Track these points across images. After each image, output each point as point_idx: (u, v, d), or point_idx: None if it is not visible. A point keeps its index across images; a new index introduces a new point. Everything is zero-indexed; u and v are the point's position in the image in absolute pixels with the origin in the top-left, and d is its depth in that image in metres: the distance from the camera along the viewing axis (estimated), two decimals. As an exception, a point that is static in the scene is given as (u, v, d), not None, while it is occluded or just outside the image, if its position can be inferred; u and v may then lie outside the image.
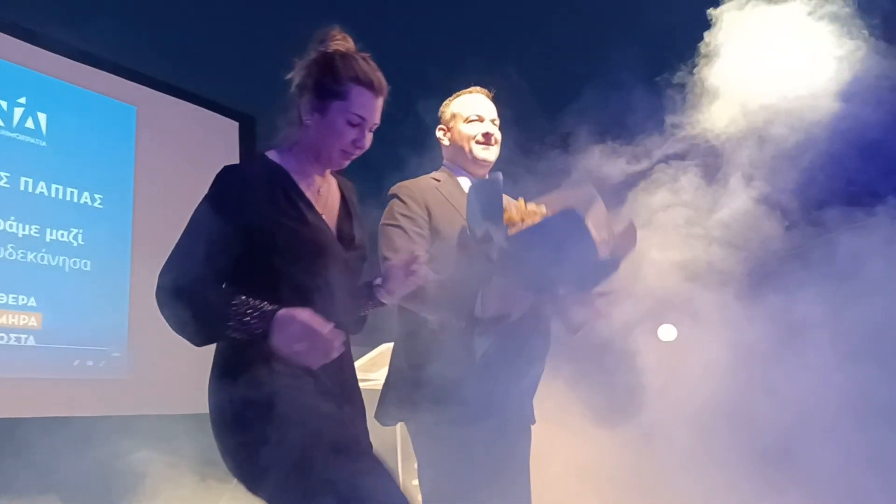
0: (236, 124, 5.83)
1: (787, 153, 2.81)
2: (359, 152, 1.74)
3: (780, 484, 3.17)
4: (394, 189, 2.15)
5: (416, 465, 2.05)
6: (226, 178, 1.73)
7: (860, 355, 3.02)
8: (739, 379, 3.17)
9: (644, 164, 2.65)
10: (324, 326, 1.48)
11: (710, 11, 2.69)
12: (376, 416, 2.10)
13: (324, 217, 1.71)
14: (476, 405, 1.92)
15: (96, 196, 4.95)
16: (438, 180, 2.16)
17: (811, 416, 3.14)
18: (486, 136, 2.15)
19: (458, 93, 2.25)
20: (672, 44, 2.90)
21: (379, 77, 1.72)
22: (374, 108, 1.71)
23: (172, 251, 1.73)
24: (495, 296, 1.83)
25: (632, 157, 2.68)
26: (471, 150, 2.16)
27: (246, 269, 1.64)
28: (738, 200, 2.82)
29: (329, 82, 1.69)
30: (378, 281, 1.80)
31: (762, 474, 3.29)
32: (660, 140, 2.79)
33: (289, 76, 1.76)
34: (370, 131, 1.73)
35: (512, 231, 1.84)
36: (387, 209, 2.11)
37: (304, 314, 1.49)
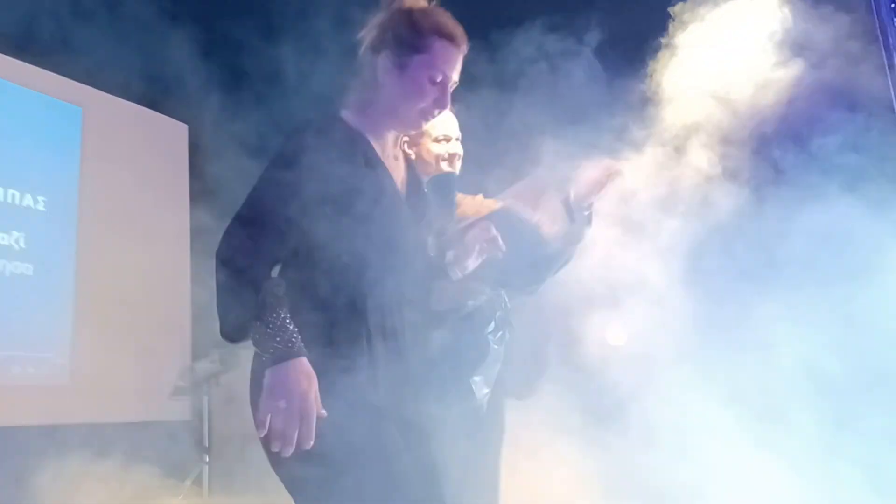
0: (185, 127, 5.74)
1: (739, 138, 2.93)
2: (438, 112, 1.60)
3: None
4: None
5: None
6: (304, 142, 1.48)
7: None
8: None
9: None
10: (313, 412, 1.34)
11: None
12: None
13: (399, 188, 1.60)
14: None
15: (39, 198, 4.82)
16: None
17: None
18: (453, 156, 2.20)
19: None
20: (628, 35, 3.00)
21: (461, 30, 1.58)
22: (456, 63, 1.58)
23: (231, 224, 1.47)
24: (448, 288, 1.84)
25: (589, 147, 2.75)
26: (437, 169, 2.20)
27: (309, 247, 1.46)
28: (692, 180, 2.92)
29: (410, 36, 1.55)
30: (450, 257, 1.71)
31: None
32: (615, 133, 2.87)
33: (360, 34, 1.62)
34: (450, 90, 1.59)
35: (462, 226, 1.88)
36: None
37: (306, 386, 1.35)
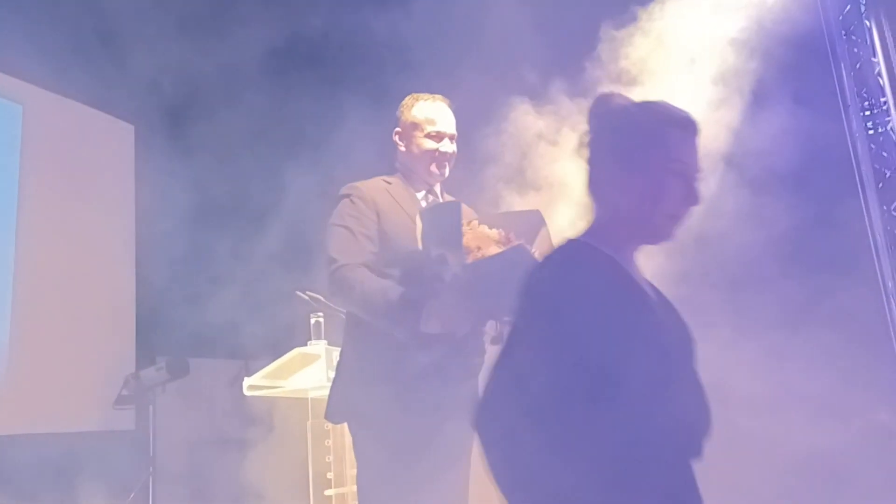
0: (132, 128, 5.58)
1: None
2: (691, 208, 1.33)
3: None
4: (345, 189, 2.17)
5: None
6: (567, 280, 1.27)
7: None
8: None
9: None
10: None
11: None
12: (326, 415, 2.17)
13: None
14: (415, 412, 1.99)
15: (-25, 200, 4.62)
16: (390, 183, 2.20)
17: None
18: (445, 155, 2.20)
19: (417, 95, 2.25)
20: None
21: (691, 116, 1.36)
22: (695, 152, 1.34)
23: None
24: (440, 313, 1.91)
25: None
26: (427, 166, 2.21)
27: None
28: None
29: (642, 128, 1.32)
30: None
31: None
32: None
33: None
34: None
35: (469, 259, 1.92)
36: (336, 209, 2.14)
37: None
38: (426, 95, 2.26)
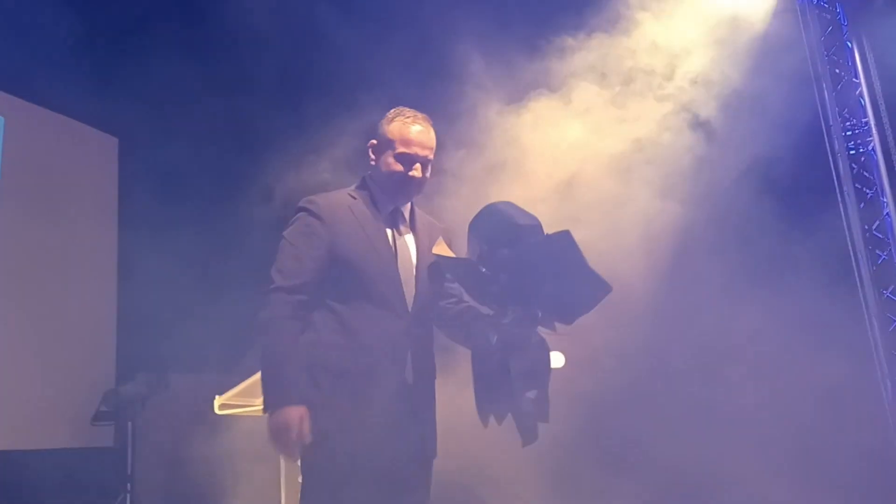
0: (115, 140, 5.54)
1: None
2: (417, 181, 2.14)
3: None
4: (303, 202, 2.12)
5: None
6: None
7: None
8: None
9: None
10: None
11: None
12: None
13: None
14: (370, 436, 1.95)
15: (-47, 211, 4.55)
16: (354, 198, 2.15)
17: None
18: (413, 180, 2.15)
19: (401, 111, 2.19)
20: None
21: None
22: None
23: None
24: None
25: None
26: (393, 188, 2.16)
27: None
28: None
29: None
30: None
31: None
32: None
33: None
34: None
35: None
36: (292, 221, 2.11)
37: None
38: (409, 113, 2.18)
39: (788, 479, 3.52)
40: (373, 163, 2.19)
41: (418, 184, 2.15)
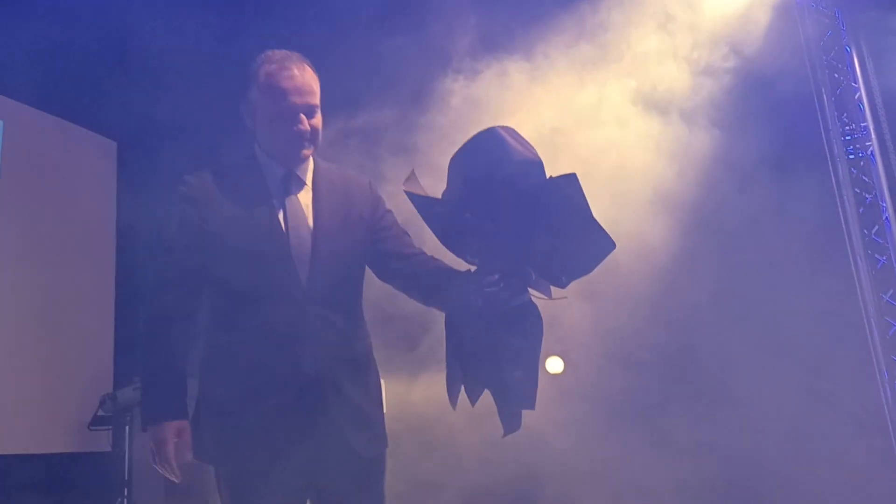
0: (114, 144, 5.53)
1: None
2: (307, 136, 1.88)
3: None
4: (180, 182, 1.92)
5: None
6: None
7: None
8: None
9: None
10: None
11: None
12: (194, 451, 1.89)
13: None
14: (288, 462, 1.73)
15: (-48, 215, 4.55)
16: (238, 169, 1.95)
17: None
18: (304, 135, 1.86)
19: (266, 58, 1.89)
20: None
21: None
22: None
23: None
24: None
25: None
26: (278, 146, 1.89)
27: None
28: None
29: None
30: None
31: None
32: None
33: None
34: None
35: None
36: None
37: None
38: (276, 56, 1.84)
39: (788, 483, 3.51)
40: (252, 123, 1.89)
41: (309, 138, 1.84)
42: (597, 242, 1.61)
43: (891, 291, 4.34)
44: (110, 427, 4.85)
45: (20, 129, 4.91)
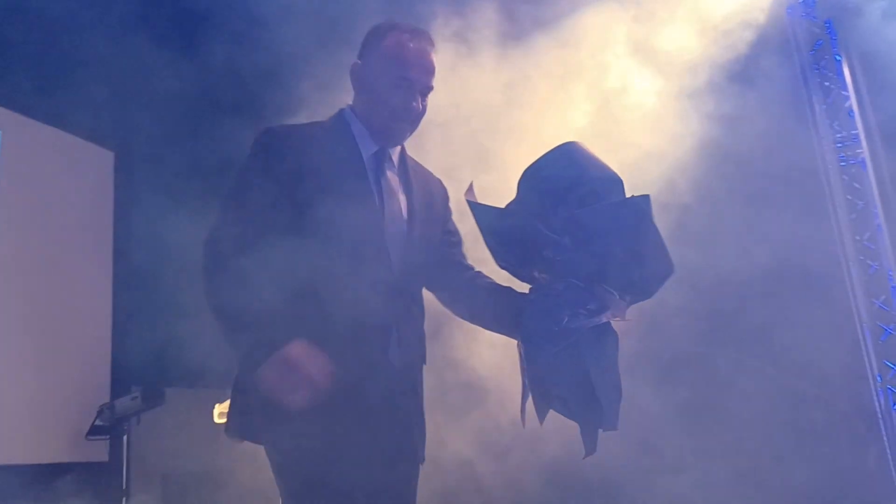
0: (111, 154, 5.55)
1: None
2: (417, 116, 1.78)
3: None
4: (261, 133, 1.75)
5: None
6: None
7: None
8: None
9: None
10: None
11: None
12: (226, 430, 1.71)
13: None
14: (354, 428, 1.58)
15: (-51, 226, 4.55)
16: (327, 132, 1.83)
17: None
18: (409, 112, 1.78)
19: (396, 25, 1.79)
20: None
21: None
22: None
23: None
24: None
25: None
26: (385, 119, 1.78)
27: None
28: None
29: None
30: None
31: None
32: None
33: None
34: None
35: None
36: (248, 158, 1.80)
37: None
38: (407, 27, 1.74)
39: (779, 487, 3.54)
40: (357, 90, 1.76)
41: (416, 119, 1.73)
42: (661, 265, 1.60)
43: (883, 297, 4.39)
44: (108, 437, 4.86)
45: (17, 140, 4.92)
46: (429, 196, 1.80)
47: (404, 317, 1.69)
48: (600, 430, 1.60)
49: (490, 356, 3.16)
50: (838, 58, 4.69)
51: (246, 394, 1.65)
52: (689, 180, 3.25)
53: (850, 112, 4.62)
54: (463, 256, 1.90)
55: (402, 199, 1.73)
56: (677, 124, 3.04)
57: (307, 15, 3.81)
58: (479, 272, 1.87)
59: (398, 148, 1.79)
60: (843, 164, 4.61)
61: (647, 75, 3.14)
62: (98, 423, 4.75)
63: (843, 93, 4.65)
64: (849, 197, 4.55)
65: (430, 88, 1.73)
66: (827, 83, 4.68)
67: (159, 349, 4.62)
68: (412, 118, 1.72)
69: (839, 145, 4.62)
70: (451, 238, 1.87)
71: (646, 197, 1.57)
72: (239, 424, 1.69)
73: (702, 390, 3.81)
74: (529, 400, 1.63)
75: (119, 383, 5.12)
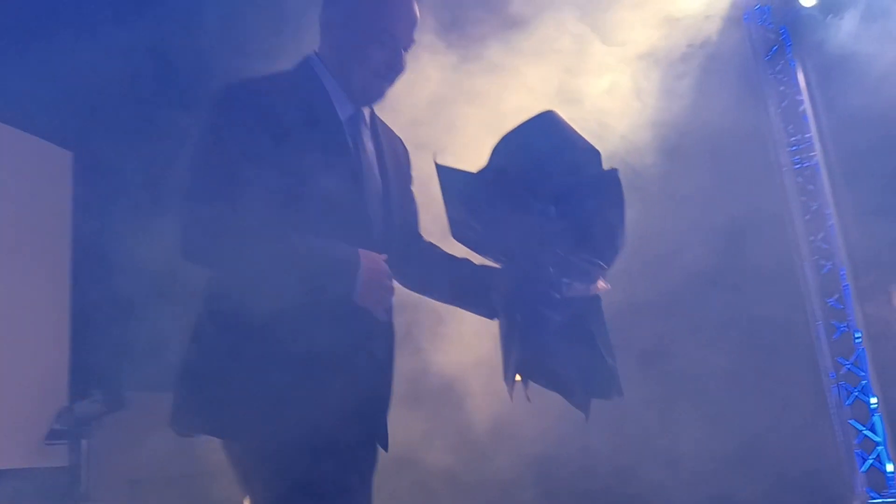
0: (70, 154, 5.45)
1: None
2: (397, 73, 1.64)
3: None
4: (221, 90, 1.56)
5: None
6: None
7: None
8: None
9: None
10: None
11: None
12: (172, 423, 1.58)
13: None
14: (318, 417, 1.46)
15: None
16: (297, 89, 1.65)
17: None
18: (392, 69, 1.66)
19: None
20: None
21: None
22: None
23: None
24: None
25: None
26: (364, 76, 1.64)
27: None
28: None
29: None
30: None
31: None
32: None
33: None
34: None
35: None
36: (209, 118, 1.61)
37: None
38: None
39: (733, 480, 3.62)
40: (328, 39, 1.58)
41: (396, 76, 1.59)
42: (620, 239, 1.58)
43: (836, 296, 4.52)
44: (67, 441, 4.78)
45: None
46: (397, 158, 1.67)
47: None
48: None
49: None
50: (793, 63, 4.82)
51: (198, 380, 1.52)
52: (643, 181, 3.30)
53: (804, 116, 4.75)
54: (419, 225, 1.76)
55: (376, 162, 1.59)
56: (630, 123, 3.07)
57: (271, 14, 3.80)
58: (432, 243, 1.76)
59: (367, 108, 1.64)
60: (797, 166, 4.73)
61: (598, 71, 3.16)
62: (57, 426, 4.67)
63: (798, 97, 4.77)
64: (803, 198, 4.67)
65: (413, 42, 1.57)
66: (782, 87, 4.81)
67: (120, 353, 4.56)
68: (394, 74, 1.57)
69: (793, 148, 4.75)
70: (410, 205, 1.74)
71: (613, 172, 1.56)
72: (189, 417, 1.54)
73: (669, 384, 3.88)
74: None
75: (78, 386, 5.04)
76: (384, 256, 1.44)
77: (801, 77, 4.77)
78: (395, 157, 1.66)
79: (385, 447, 1.64)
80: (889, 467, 4.19)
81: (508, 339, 1.56)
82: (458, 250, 1.69)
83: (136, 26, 4.62)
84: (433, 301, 1.80)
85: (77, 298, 5.22)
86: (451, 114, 2.88)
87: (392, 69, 1.57)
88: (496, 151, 1.56)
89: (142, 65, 4.47)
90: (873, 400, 4.29)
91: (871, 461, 4.22)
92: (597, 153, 1.57)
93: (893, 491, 4.12)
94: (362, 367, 1.51)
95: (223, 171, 1.43)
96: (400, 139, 1.73)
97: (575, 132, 1.58)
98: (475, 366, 3.02)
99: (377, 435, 1.61)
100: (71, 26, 4.56)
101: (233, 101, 1.50)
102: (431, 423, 3.56)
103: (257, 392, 1.43)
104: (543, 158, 1.53)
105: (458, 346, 3.14)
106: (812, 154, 4.71)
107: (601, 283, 1.60)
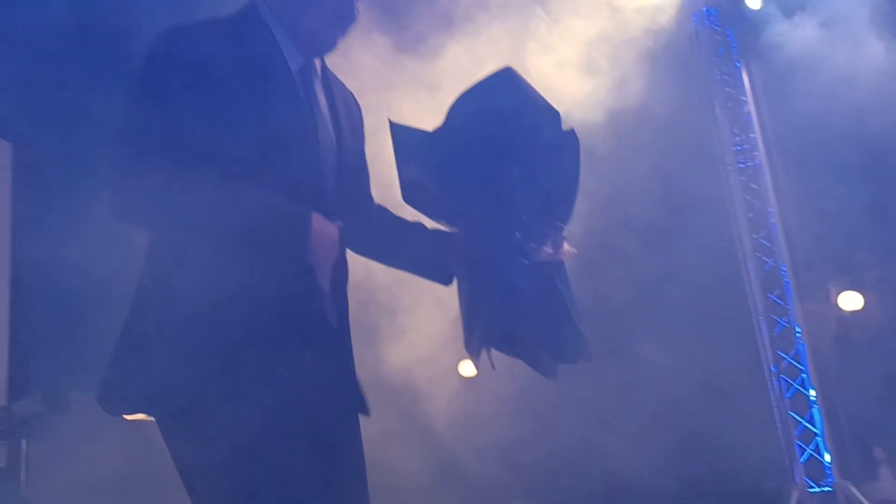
0: (9, 145, 5.27)
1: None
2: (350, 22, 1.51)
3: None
4: (158, 38, 1.43)
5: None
6: None
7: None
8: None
9: None
10: None
11: None
12: (100, 400, 1.44)
13: None
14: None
15: None
16: (243, 38, 1.50)
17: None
18: (347, 17, 1.54)
19: None
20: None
21: None
22: None
23: None
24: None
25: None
26: (318, 25, 1.53)
27: None
28: None
29: None
30: None
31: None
32: None
33: None
34: None
35: None
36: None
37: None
38: None
39: (674, 473, 3.70)
40: None
41: (346, 25, 1.49)
42: (574, 202, 1.54)
43: (777, 291, 4.65)
44: (5, 442, 4.63)
45: None
46: (351, 115, 1.57)
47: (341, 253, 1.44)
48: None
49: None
50: (738, 65, 4.94)
51: (132, 351, 1.39)
52: (590, 181, 3.35)
53: (748, 117, 4.88)
54: (370, 186, 1.66)
55: (329, 118, 1.49)
56: (577, 103, 3.08)
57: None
58: (382, 206, 1.65)
59: (317, 59, 1.53)
60: (741, 166, 4.86)
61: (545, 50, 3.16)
62: (-7, 427, 4.52)
63: (742, 98, 4.90)
64: (746, 197, 4.80)
65: None
66: (728, 89, 4.93)
67: (61, 351, 4.43)
68: (345, 25, 1.47)
69: (738, 148, 4.87)
70: (362, 164, 1.63)
71: (572, 133, 1.52)
72: (120, 392, 1.39)
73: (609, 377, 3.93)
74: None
75: (17, 385, 4.88)
76: (339, 224, 1.35)
77: (745, 79, 4.90)
78: (348, 113, 1.55)
79: (366, 412, 1.48)
80: (827, 457, 4.34)
81: (472, 308, 1.48)
82: (408, 214, 1.61)
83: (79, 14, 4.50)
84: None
85: (17, 295, 5.06)
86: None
87: (343, 18, 1.46)
88: (454, 109, 1.49)
89: (83, 53, 4.34)
90: (812, 392, 4.44)
91: (810, 451, 4.37)
92: (556, 113, 1.50)
93: (831, 480, 4.27)
94: (315, 331, 1.37)
95: (157, 126, 1.31)
96: (352, 94, 1.62)
97: (535, 91, 1.51)
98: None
99: (350, 402, 1.45)
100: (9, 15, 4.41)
101: (168, 49, 1.36)
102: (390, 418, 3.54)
103: (197, 365, 1.29)
104: (504, 118, 1.46)
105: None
106: (756, 154, 4.84)
107: (567, 247, 1.53)
